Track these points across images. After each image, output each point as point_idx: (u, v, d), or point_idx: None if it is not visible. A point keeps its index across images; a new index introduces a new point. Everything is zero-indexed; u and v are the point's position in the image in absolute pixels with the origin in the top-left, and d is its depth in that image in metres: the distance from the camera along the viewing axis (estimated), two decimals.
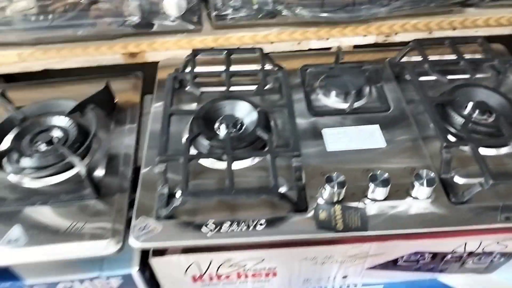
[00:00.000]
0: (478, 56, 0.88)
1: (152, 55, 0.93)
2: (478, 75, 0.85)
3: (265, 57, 0.86)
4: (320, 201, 0.66)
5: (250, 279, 0.76)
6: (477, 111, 0.75)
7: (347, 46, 0.96)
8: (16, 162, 0.75)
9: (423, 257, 0.73)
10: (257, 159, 0.73)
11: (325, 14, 0.87)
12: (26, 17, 0.85)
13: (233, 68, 0.85)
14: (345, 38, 0.94)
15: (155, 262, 0.69)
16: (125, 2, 0.85)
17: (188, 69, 0.84)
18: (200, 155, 0.71)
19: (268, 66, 0.86)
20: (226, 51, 0.86)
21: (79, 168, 0.71)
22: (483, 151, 0.71)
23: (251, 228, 0.64)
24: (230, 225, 0.64)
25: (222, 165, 0.71)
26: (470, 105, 0.76)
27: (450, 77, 0.82)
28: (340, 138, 0.75)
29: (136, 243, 0.63)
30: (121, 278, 0.71)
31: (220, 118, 0.77)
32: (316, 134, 0.77)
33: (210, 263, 0.70)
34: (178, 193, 0.67)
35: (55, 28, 0.86)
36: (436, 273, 0.79)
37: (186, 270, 0.71)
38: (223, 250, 0.68)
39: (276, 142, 0.75)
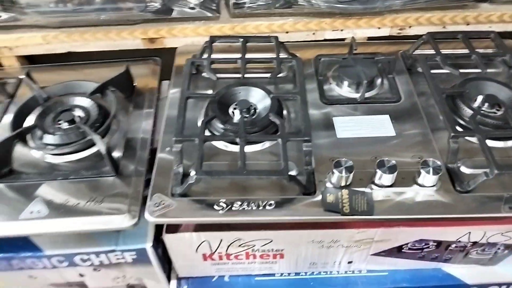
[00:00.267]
0: (490, 51, 0.88)
1: (170, 41, 0.96)
2: (490, 70, 0.86)
3: (280, 45, 0.88)
4: (329, 185, 0.68)
5: (258, 260, 0.79)
6: (486, 104, 0.76)
7: (362, 38, 0.98)
8: (39, 139, 0.79)
9: (427, 245, 0.75)
10: (268, 144, 0.75)
11: (340, 5, 0.88)
12: (54, 3, 0.89)
13: (249, 55, 0.87)
14: (359, 30, 0.95)
15: (168, 239, 0.72)
16: None
17: (205, 55, 0.87)
18: (214, 136, 0.74)
19: (283, 55, 0.88)
20: (242, 39, 0.88)
21: (100, 146, 0.74)
22: (490, 143, 0.72)
23: (261, 208, 0.66)
24: (241, 204, 0.67)
25: (235, 148, 0.73)
26: (479, 98, 0.77)
27: (462, 71, 0.83)
28: (351, 126, 0.77)
29: (151, 218, 0.66)
30: (135, 252, 0.74)
31: (235, 103, 0.80)
32: (327, 122, 0.79)
33: (221, 242, 0.73)
34: (192, 173, 0.70)
35: (79, 12, 0.89)
36: (440, 262, 0.81)
37: (197, 248, 0.74)
38: (233, 230, 0.71)
39: (288, 129, 0.78)
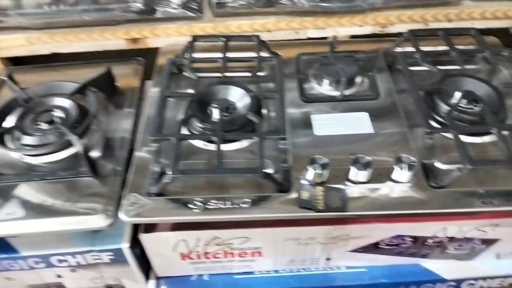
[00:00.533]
0: (472, 47, 0.88)
1: (154, 41, 0.97)
2: (470, 66, 0.86)
3: (262, 44, 0.89)
4: (304, 182, 0.68)
5: (237, 258, 0.79)
6: (464, 100, 0.76)
7: (345, 36, 0.98)
8: (17, 140, 0.79)
9: (404, 240, 0.75)
10: (247, 142, 0.75)
11: (322, 4, 0.88)
12: (38, 5, 0.90)
13: (231, 55, 0.88)
14: (342, 28, 0.96)
15: (145, 238, 0.72)
16: None
17: (187, 55, 0.87)
18: (191, 135, 0.74)
19: (264, 54, 0.88)
20: (224, 38, 0.89)
21: (77, 146, 0.74)
22: (467, 139, 0.73)
23: (236, 206, 0.66)
24: (216, 202, 0.67)
25: (214, 146, 0.73)
26: (457, 94, 0.77)
27: (442, 67, 0.83)
28: (329, 124, 0.77)
29: (125, 218, 0.66)
30: (112, 252, 0.74)
31: (214, 102, 0.80)
32: (306, 120, 0.79)
33: (198, 241, 0.73)
34: (169, 172, 0.70)
35: (62, 12, 0.90)
36: (418, 258, 0.80)
37: (175, 247, 0.74)
38: (210, 228, 0.71)
39: (267, 127, 0.78)
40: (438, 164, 0.70)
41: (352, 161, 0.66)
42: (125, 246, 0.73)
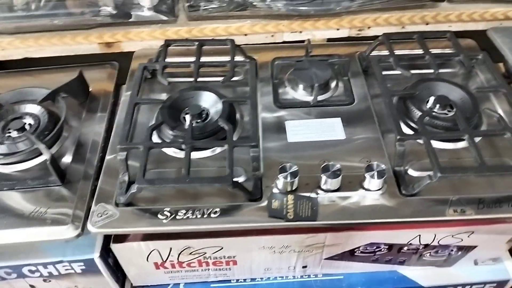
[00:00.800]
0: (448, 51, 0.88)
1: (128, 45, 0.95)
2: (446, 70, 0.86)
3: (236, 48, 0.87)
4: (275, 190, 0.67)
5: (212, 267, 0.78)
6: (437, 106, 0.75)
7: (321, 40, 0.97)
8: None
9: (379, 248, 0.74)
10: (219, 149, 0.74)
11: (295, 7, 0.87)
12: (8, 7, 0.88)
13: (206, 59, 0.86)
14: (318, 31, 0.95)
15: (116, 248, 0.71)
16: None
17: (159, 60, 0.86)
18: (159, 144, 0.73)
19: (239, 58, 0.87)
20: (197, 42, 0.87)
21: (45, 155, 0.73)
22: (440, 145, 0.72)
23: (205, 216, 0.65)
24: (186, 213, 0.66)
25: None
26: (431, 99, 0.76)
27: (417, 71, 0.82)
28: (302, 130, 0.76)
29: (93, 229, 0.65)
30: (83, 263, 0.73)
31: (186, 108, 0.79)
32: (279, 126, 0.78)
33: (170, 250, 0.72)
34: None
35: (32, 17, 0.88)
36: (395, 265, 0.80)
37: (147, 256, 0.73)
38: (182, 238, 0.70)
39: (240, 134, 0.77)
40: (410, 171, 0.69)
41: (322, 169, 0.65)
42: (96, 256, 0.72)
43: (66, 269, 0.74)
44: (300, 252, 0.74)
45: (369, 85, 0.84)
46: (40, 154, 0.76)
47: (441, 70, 0.82)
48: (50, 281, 0.77)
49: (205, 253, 0.73)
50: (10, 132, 0.80)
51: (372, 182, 0.65)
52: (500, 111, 0.78)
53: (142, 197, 0.68)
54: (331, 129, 0.76)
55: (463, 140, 0.70)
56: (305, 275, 0.82)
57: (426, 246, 0.74)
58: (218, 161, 0.73)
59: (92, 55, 0.97)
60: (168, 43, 0.88)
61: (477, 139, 0.71)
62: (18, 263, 0.72)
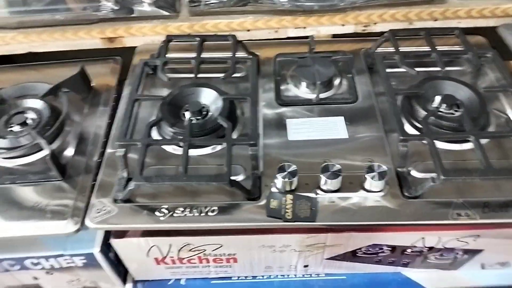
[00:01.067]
0: (456, 48, 0.85)
1: (130, 40, 0.95)
2: (454, 68, 0.84)
3: (238, 44, 0.86)
4: (274, 190, 0.66)
5: (212, 264, 0.77)
6: (443, 105, 0.73)
7: (326, 36, 0.95)
8: None
9: (382, 249, 0.73)
10: (219, 147, 0.73)
11: (298, 3, 0.85)
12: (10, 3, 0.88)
13: (207, 55, 0.85)
14: (323, 27, 0.93)
15: (116, 244, 0.71)
16: None
17: (160, 56, 0.85)
18: (158, 141, 0.73)
19: (240, 54, 0.86)
20: (199, 38, 0.86)
21: (45, 150, 0.73)
22: (446, 145, 0.70)
23: (203, 214, 0.65)
24: (183, 210, 0.65)
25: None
26: (438, 98, 0.74)
27: (423, 69, 0.81)
28: (303, 128, 0.75)
29: (91, 224, 0.65)
30: (84, 257, 0.73)
31: (187, 104, 0.78)
32: (280, 124, 0.77)
33: (170, 247, 0.72)
34: None
35: (34, 12, 0.88)
36: (399, 266, 0.79)
37: (148, 252, 0.73)
38: (181, 235, 0.70)
39: (241, 131, 0.76)
40: (414, 173, 0.68)
41: (321, 169, 0.64)
42: (96, 251, 0.72)
43: (68, 263, 0.74)
44: (301, 251, 0.73)
45: (373, 82, 0.82)
46: (42, 148, 0.76)
47: (448, 68, 0.80)
48: (52, 273, 0.77)
49: (205, 250, 0.73)
50: (12, 127, 0.80)
51: (374, 183, 0.63)
52: (509, 112, 0.76)
53: (140, 193, 0.68)
54: (334, 127, 0.75)
55: (469, 141, 0.68)
56: (307, 274, 0.81)
57: (431, 248, 0.72)
58: (218, 158, 0.72)
59: (97, 50, 0.97)
60: (169, 38, 0.87)
61: (484, 141, 0.69)
62: (20, 255, 0.73)
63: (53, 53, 0.97)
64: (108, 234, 0.72)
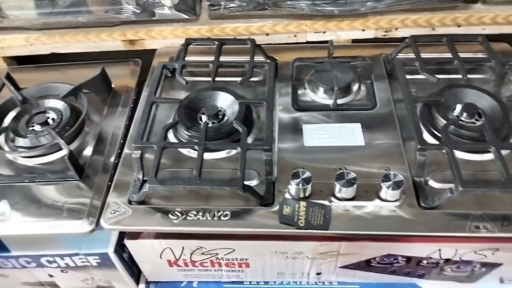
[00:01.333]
0: (479, 55, 0.83)
1: (150, 43, 0.96)
2: (476, 76, 0.82)
3: (256, 48, 0.86)
4: (288, 196, 0.66)
5: (224, 268, 0.77)
6: (464, 114, 0.71)
7: (346, 40, 0.94)
8: (11, 141, 0.80)
9: (396, 260, 0.71)
10: (234, 151, 0.73)
11: (318, 7, 0.85)
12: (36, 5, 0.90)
13: (226, 58, 0.85)
14: (342, 32, 0.92)
15: (130, 245, 0.72)
16: None
17: (179, 59, 0.86)
18: (173, 144, 0.73)
19: (259, 58, 0.86)
20: (217, 42, 0.86)
21: (64, 150, 0.74)
22: (465, 155, 0.69)
23: (216, 218, 0.65)
24: (196, 214, 0.66)
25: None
26: (458, 107, 0.72)
27: (444, 76, 0.79)
28: (319, 134, 0.74)
29: (106, 225, 0.66)
30: (98, 257, 0.74)
31: (203, 108, 0.78)
32: (296, 128, 0.76)
33: (183, 250, 0.72)
34: None
35: (57, 14, 0.90)
36: (414, 278, 0.77)
37: (161, 254, 0.74)
38: (194, 238, 0.70)
39: (256, 135, 0.76)
40: (431, 182, 0.66)
41: (337, 176, 0.63)
42: (110, 251, 0.73)
43: (82, 262, 0.75)
44: (314, 259, 0.73)
45: (393, 89, 0.81)
46: (61, 148, 0.78)
47: (470, 76, 0.78)
48: (67, 272, 0.79)
49: (217, 254, 0.73)
50: (33, 126, 0.82)
51: (389, 193, 0.62)
52: None
53: (155, 195, 0.69)
54: (350, 134, 0.73)
55: (490, 152, 0.66)
56: (320, 282, 0.81)
57: (447, 260, 0.70)
58: (233, 162, 0.72)
59: (119, 52, 0.99)
60: (188, 41, 0.88)
61: (505, 152, 0.67)
62: (36, 253, 0.74)
63: (75, 54, 0.99)
64: (122, 235, 0.73)
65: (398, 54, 0.84)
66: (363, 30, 0.91)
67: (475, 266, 0.73)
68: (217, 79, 0.82)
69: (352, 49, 0.91)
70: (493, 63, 0.78)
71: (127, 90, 0.91)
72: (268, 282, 0.82)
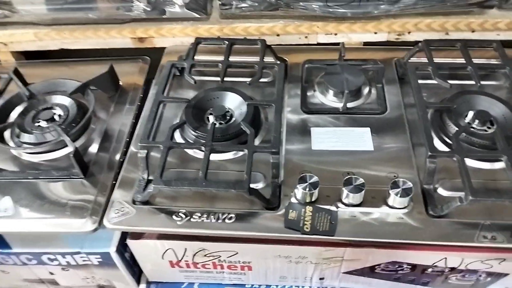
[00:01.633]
0: (493, 61, 0.81)
1: (160, 41, 0.95)
2: (490, 82, 0.80)
3: (267, 49, 0.85)
4: (294, 200, 0.65)
5: (227, 271, 0.77)
6: (476, 121, 0.70)
7: (358, 43, 0.93)
8: (17, 137, 0.79)
9: (401, 267, 0.70)
10: (240, 153, 0.72)
11: (330, 9, 0.83)
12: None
13: (235, 58, 0.85)
14: (354, 34, 0.90)
15: (132, 244, 0.72)
16: None
17: (188, 58, 0.85)
18: (180, 144, 0.72)
19: (269, 59, 0.85)
20: (227, 41, 0.86)
21: (69, 147, 0.74)
22: (476, 164, 0.67)
23: (220, 220, 0.64)
24: (200, 216, 0.65)
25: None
26: (470, 114, 0.71)
27: (457, 82, 0.77)
28: (328, 138, 0.73)
29: (109, 225, 0.65)
30: (100, 256, 0.73)
31: (211, 108, 0.77)
32: (304, 131, 0.75)
33: (185, 251, 0.72)
34: None
35: (67, 9, 0.89)
36: (418, 285, 0.76)
37: (163, 255, 0.73)
38: (197, 240, 0.69)
39: (264, 137, 0.75)
40: (440, 190, 0.65)
41: (344, 182, 0.62)
42: (112, 250, 0.72)
43: (84, 260, 0.75)
44: (318, 264, 0.72)
45: (404, 93, 0.79)
46: (66, 145, 0.77)
47: (484, 82, 0.76)
48: (68, 270, 0.78)
49: (220, 256, 0.72)
50: (39, 122, 0.81)
51: (397, 200, 0.61)
52: None
53: (159, 195, 0.68)
54: (359, 139, 0.72)
55: (501, 161, 0.64)
56: (322, 287, 0.80)
57: (453, 269, 0.69)
58: (239, 164, 0.71)
59: (127, 49, 0.98)
60: (198, 40, 0.87)
61: None
62: (38, 250, 0.74)
63: (84, 50, 0.98)
64: (125, 234, 0.72)
65: (411, 58, 0.82)
66: (376, 33, 0.90)
67: (480, 276, 0.71)
68: (226, 79, 0.81)
69: (363, 52, 0.90)
70: (507, 70, 0.77)
71: (135, 87, 0.90)
72: (270, 285, 0.81)
